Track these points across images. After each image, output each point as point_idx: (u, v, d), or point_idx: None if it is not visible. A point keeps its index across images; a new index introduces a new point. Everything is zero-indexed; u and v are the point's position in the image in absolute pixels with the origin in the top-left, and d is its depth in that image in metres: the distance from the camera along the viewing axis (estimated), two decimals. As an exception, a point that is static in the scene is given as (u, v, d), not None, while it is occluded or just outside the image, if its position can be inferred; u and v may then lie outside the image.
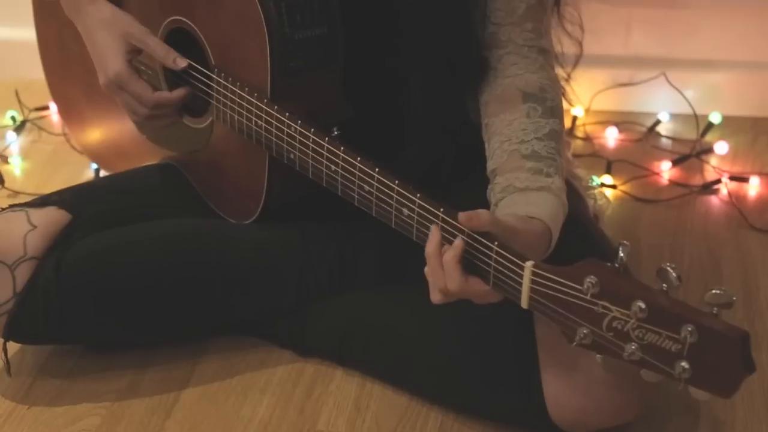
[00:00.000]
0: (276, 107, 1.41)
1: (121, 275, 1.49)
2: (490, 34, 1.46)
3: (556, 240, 1.28)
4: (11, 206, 1.53)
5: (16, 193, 1.99)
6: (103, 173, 1.93)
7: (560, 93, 1.46)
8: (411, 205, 1.27)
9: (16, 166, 2.10)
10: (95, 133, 1.84)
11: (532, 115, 1.40)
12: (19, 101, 2.25)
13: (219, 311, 1.54)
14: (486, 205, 1.35)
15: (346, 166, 1.35)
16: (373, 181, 1.31)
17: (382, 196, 1.31)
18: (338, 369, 1.55)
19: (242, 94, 1.45)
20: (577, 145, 2.17)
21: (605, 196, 1.75)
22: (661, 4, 2.23)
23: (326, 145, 1.36)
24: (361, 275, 1.55)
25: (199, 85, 1.53)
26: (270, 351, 1.58)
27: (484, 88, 1.46)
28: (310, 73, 1.46)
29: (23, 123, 2.22)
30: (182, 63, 1.50)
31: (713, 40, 2.22)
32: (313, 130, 1.38)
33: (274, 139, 1.43)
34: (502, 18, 1.45)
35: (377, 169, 1.31)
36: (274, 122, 1.42)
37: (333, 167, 1.36)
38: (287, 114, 1.40)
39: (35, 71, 1.91)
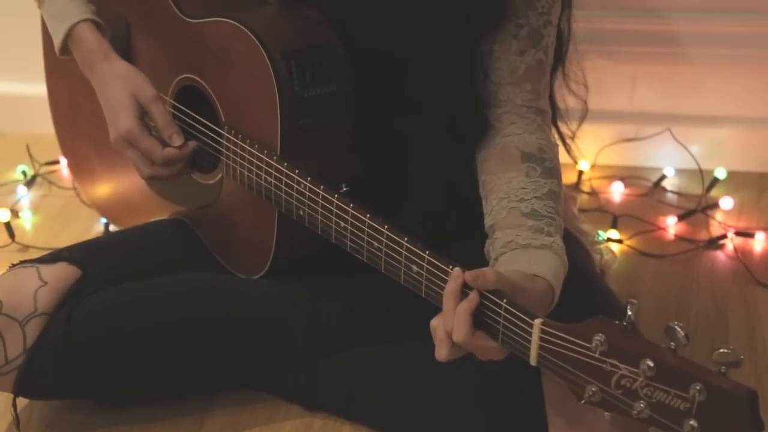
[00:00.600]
0: (286, 164, 1.43)
1: (130, 331, 1.49)
2: (489, 93, 1.48)
3: (557, 299, 1.30)
4: (22, 262, 1.54)
5: (26, 247, 2.00)
6: (112, 228, 1.94)
7: (557, 154, 1.48)
8: (420, 262, 1.28)
9: (26, 220, 2.12)
10: (105, 188, 1.85)
11: (531, 174, 1.41)
12: (30, 156, 2.27)
13: (228, 366, 1.55)
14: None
15: (355, 222, 1.36)
16: (382, 238, 1.32)
17: (391, 253, 1.32)
18: (346, 424, 1.55)
19: (252, 150, 1.47)
20: (583, 199, 2.18)
21: (611, 251, 1.76)
22: (665, 61, 2.25)
23: (336, 201, 1.38)
24: (369, 330, 1.55)
25: (209, 142, 1.55)
26: (278, 405, 1.58)
27: (483, 145, 1.48)
28: (319, 131, 1.48)
29: (34, 177, 2.24)
30: (177, 141, 1.52)
31: (717, 97, 2.24)
32: (322, 187, 1.39)
33: (283, 195, 1.44)
34: (502, 78, 1.47)
35: (386, 226, 1.32)
36: (284, 179, 1.43)
37: (342, 224, 1.38)
38: (297, 171, 1.42)
39: (46, 126, 1.93)
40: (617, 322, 1.10)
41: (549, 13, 1.46)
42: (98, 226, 2.04)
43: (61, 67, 1.74)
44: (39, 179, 2.24)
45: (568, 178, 2.19)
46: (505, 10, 1.44)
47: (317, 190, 1.40)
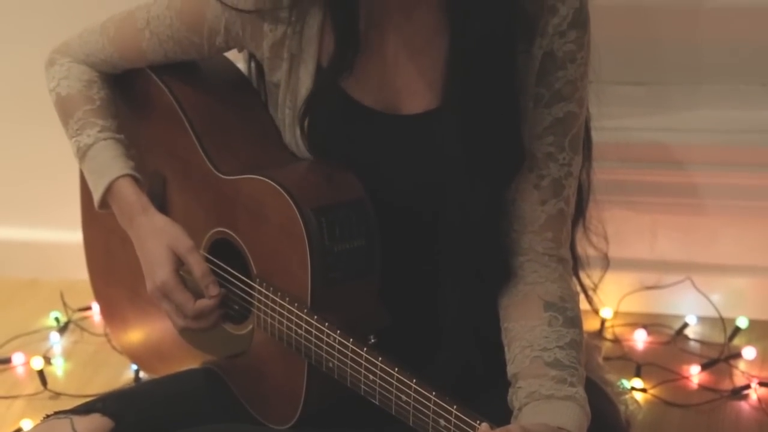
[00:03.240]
0: (316, 317, 1.46)
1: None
2: (512, 241, 1.50)
3: None
4: (56, 413, 1.55)
5: (58, 394, 2.03)
6: (142, 374, 1.96)
7: (578, 303, 1.50)
8: (448, 416, 1.30)
9: (58, 367, 2.14)
10: (137, 336, 1.88)
11: (553, 323, 1.43)
12: (64, 303, 2.31)
13: None
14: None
15: (384, 376, 1.38)
16: (410, 392, 1.34)
17: (419, 407, 1.33)
18: None
19: (283, 303, 1.50)
20: (607, 347, 2.20)
21: (636, 402, 1.77)
22: (684, 212, 2.29)
23: (365, 355, 1.40)
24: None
25: (241, 293, 1.58)
26: None
27: (505, 292, 1.50)
28: (349, 284, 1.51)
29: (67, 324, 2.28)
30: (214, 291, 1.56)
31: (736, 246, 2.28)
32: (351, 340, 1.42)
33: (313, 347, 1.47)
34: (524, 226, 1.49)
35: (415, 380, 1.34)
36: (314, 331, 1.46)
37: (371, 377, 1.40)
38: (326, 324, 1.45)
39: (79, 272, 1.97)
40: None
41: (569, 164, 1.50)
42: (129, 373, 2.07)
43: (98, 218, 1.79)
44: (71, 326, 2.28)
45: (591, 325, 2.22)
46: (530, 165, 1.49)
47: (346, 343, 1.43)
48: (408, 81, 1.51)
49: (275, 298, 1.51)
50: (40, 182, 2.47)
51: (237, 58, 1.70)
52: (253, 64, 1.70)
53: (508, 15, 1.40)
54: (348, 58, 1.49)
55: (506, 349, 1.46)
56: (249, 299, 1.57)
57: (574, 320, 1.45)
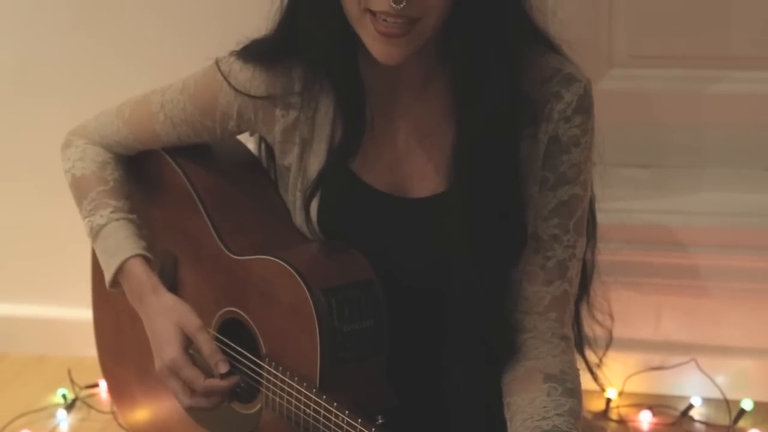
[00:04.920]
0: (324, 397, 1.47)
1: None
2: (516, 321, 1.52)
3: None
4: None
5: (65, 472, 2.03)
6: (149, 453, 1.96)
7: (579, 377, 1.51)
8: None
9: (64, 446, 2.16)
10: (144, 414, 1.88)
11: (552, 393, 1.44)
12: (71, 380, 2.32)
13: None
14: None
15: (391, 456, 1.39)
16: (417, 472, 1.35)
17: (426, 487, 1.35)
18: None
19: (291, 383, 1.51)
20: (612, 428, 2.20)
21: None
22: (688, 293, 2.30)
23: (373, 435, 1.41)
24: None
25: (249, 372, 1.60)
26: None
27: (508, 368, 1.52)
28: (357, 364, 1.52)
29: (74, 401, 2.28)
30: (223, 368, 1.57)
31: (741, 328, 2.28)
32: (360, 420, 1.43)
33: (321, 428, 1.47)
34: (529, 307, 1.52)
35: (421, 460, 1.35)
36: (322, 411, 1.47)
37: (378, 457, 1.41)
38: (335, 404, 1.45)
39: (87, 349, 1.98)
40: None
41: (574, 246, 1.52)
42: (135, 451, 2.07)
43: (109, 297, 1.80)
44: (78, 403, 2.28)
45: (597, 405, 2.22)
46: (535, 247, 1.51)
47: (355, 423, 1.43)
48: (417, 166, 1.55)
49: (284, 377, 1.52)
50: (49, 260, 2.49)
51: (247, 138, 1.74)
52: (263, 146, 1.74)
53: (512, 101, 1.44)
54: (356, 141, 1.52)
55: (509, 423, 1.47)
56: (258, 378, 1.58)
57: (573, 391, 1.46)
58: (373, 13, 1.38)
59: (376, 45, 1.40)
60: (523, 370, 1.50)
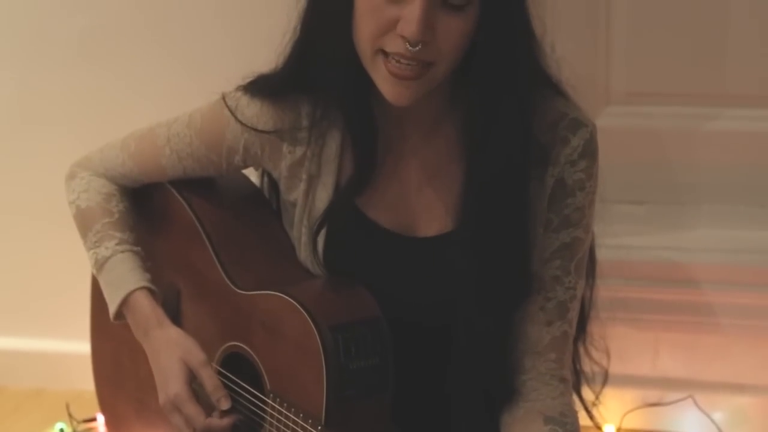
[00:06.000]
0: (329, 434, 1.47)
1: None
2: (515, 360, 1.53)
3: None
4: None
5: (62, 506, 2.02)
6: (147, 488, 1.95)
7: (578, 420, 1.52)
8: None
9: (60, 480, 2.15)
10: (142, 448, 1.88)
11: None
12: (69, 414, 2.31)
13: None
14: None
15: (396, 493, 1.39)
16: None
17: None
18: None
19: (296, 419, 1.51)
20: (610, 464, 2.20)
21: None
22: (686, 330, 2.30)
23: (378, 473, 1.41)
24: None
25: (253, 408, 1.59)
26: None
27: (507, 408, 1.52)
28: (362, 401, 1.52)
29: (72, 435, 2.28)
30: (225, 405, 1.56)
31: (739, 365, 2.28)
32: (365, 457, 1.44)
33: (326, 464, 1.48)
34: (528, 346, 1.52)
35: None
36: (328, 448, 1.48)
37: (384, 495, 1.41)
38: (340, 441, 1.46)
39: (86, 382, 1.96)
40: None
41: (574, 288, 1.53)
42: (133, 486, 2.06)
43: (108, 329, 1.80)
44: (76, 436, 2.28)
45: (595, 442, 2.22)
46: (537, 287, 1.52)
47: (360, 460, 1.44)
48: (424, 204, 1.55)
49: (288, 413, 1.52)
50: (47, 293, 2.48)
51: (250, 171, 1.74)
52: (266, 180, 1.74)
53: (522, 146, 1.45)
54: (365, 178, 1.53)
55: (510, 463, 1.47)
56: (261, 414, 1.58)
57: None
58: (385, 54, 1.40)
59: (388, 86, 1.41)
60: (522, 412, 1.50)
